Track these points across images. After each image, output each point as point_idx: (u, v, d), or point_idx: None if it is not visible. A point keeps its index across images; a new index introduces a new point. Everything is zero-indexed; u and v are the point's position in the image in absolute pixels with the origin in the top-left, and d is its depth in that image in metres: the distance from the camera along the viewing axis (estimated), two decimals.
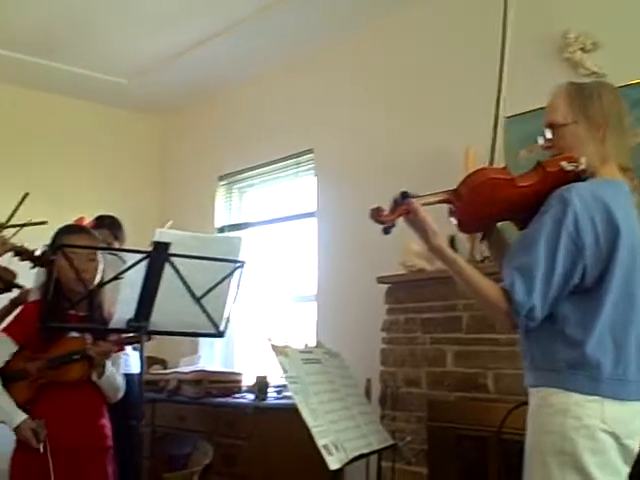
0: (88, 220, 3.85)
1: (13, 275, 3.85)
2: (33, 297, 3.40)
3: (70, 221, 3.43)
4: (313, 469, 3.35)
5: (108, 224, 4.11)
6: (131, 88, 5.18)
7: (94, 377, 2.86)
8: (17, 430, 2.75)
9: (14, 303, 3.90)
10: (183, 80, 5.06)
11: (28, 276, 3.69)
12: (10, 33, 4.39)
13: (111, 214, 4.20)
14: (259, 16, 4.16)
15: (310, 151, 4.59)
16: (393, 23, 4.16)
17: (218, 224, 5.24)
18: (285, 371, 2.49)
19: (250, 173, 5.06)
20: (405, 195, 1.89)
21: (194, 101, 5.43)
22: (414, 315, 3.48)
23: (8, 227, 1.97)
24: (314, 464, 2.79)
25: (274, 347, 2.54)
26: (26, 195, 1.92)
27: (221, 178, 5.26)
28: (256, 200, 5.21)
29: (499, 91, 3.07)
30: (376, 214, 1.86)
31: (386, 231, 1.88)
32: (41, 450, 2.71)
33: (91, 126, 5.43)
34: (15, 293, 3.92)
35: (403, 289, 3.53)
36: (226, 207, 5.29)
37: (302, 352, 2.68)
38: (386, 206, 1.88)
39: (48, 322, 2.59)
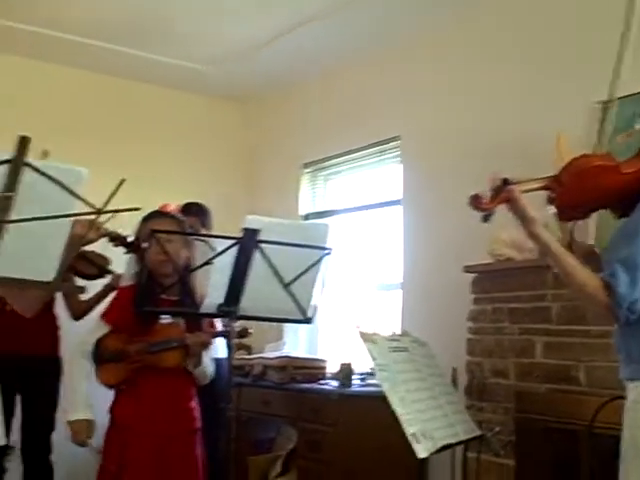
0: (173, 206, 3.93)
1: (106, 261, 3.98)
2: (124, 282, 3.50)
3: (157, 207, 3.51)
4: (397, 457, 3.36)
5: (195, 211, 4.19)
6: (218, 76, 5.23)
7: (189, 367, 2.91)
8: (70, 423, 2.84)
9: (107, 288, 4.02)
10: (268, 67, 5.08)
11: (120, 262, 3.81)
12: (100, 23, 4.50)
13: (198, 201, 4.28)
14: (343, 5, 4.14)
15: (396, 138, 4.55)
16: (478, 7, 4.08)
17: (303, 211, 5.27)
18: (374, 359, 2.49)
19: (335, 160, 5.06)
20: (506, 182, 1.85)
21: (280, 88, 5.45)
22: (501, 305, 3.42)
23: (103, 213, 2.01)
24: (398, 452, 2.79)
25: (362, 334, 2.54)
26: (122, 181, 1.95)
27: (306, 165, 5.27)
28: (341, 187, 5.21)
29: (614, 74, 2.91)
30: (475, 201, 1.83)
31: (485, 219, 1.85)
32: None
33: (177, 113, 5.52)
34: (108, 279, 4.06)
35: (490, 278, 3.47)
36: (311, 194, 5.31)
37: (390, 340, 2.67)
38: (473, 192, 1.85)
39: (142, 306, 2.66)
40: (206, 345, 2.87)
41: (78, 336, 3.08)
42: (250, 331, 3.08)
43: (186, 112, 5.56)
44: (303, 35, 4.51)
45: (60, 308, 4.06)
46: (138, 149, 5.27)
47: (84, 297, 4.08)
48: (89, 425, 2.87)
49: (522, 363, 3.28)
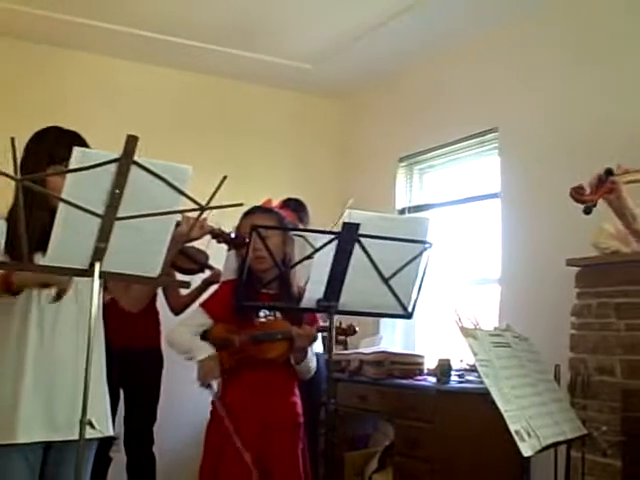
0: (275, 202, 3.97)
1: (206, 257, 4.06)
2: (223, 277, 3.55)
3: (258, 203, 3.55)
4: (497, 455, 3.30)
5: (294, 207, 4.23)
6: (315, 73, 5.27)
7: (293, 361, 2.93)
8: (200, 362, 2.86)
9: (206, 283, 4.10)
10: (363, 62, 5.08)
11: (219, 257, 3.88)
12: (203, 26, 4.63)
13: (296, 197, 4.31)
14: None
15: (494, 130, 4.45)
16: None
17: (399, 206, 5.23)
18: (475, 354, 2.44)
19: (431, 154, 5.01)
20: (609, 172, 1.79)
21: (374, 83, 5.44)
22: (607, 300, 3.29)
23: (207, 209, 2.04)
24: (498, 450, 2.73)
25: (463, 329, 2.49)
26: (224, 178, 1.98)
27: (401, 160, 5.24)
28: (437, 181, 5.14)
29: None
30: (577, 193, 1.78)
31: (587, 211, 1.79)
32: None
33: (276, 111, 5.60)
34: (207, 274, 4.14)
35: (595, 272, 3.35)
36: (407, 188, 5.26)
37: (491, 335, 2.61)
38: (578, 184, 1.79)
39: (243, 300, 2.69)
40: (313, 339, 2.87)
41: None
42: (357, 328, 3.06)
43: (285, 110, 5.64)
44: (399, 26, 4.48)
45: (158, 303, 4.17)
46: (239, 147, 5.38)
47: (183, 292, 4.19)
48: (216, 364, 2.89)
49: (630, 360, 3.15)
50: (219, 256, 3.85)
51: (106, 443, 3.59)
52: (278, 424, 2.90)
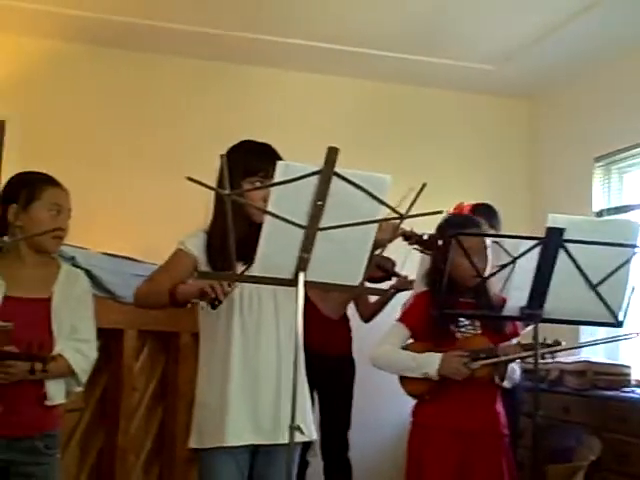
0: (467, 206, 3.89)
1: (392, 264, 4.05)
2: (417, 288, 3.49)
3: (445, 207, 3.48)
4: None
5: (484, 212, 4.11)
6: (497, 74, 5.14)
7: (497, 380, 2.84)
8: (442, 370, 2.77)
9: (393, 290, 4.07)
10: (551, 60, 4.88)
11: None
12: (381, 34, 4.64)
13: (487, 202, 4.20)
14: None
15: None
16: None
17: (596, 208, 4.97)
18: None
19: (631, 152, 4.71)
20: None
21: (564, 80, 5.20)
22: None
23: (407, 217, 2.03)
24: None
25: None
26: (424, 186, 1.96)
27: (597, 159, 4.96)
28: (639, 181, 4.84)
29: None
30: None
31: None
32: None
33: (459, 114, 5.50)
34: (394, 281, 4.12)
35: None
36: (604, 189, 4.99)
37: None
38: None
39: (441, 310, 2.65)
40: (515, 355, 2.76)
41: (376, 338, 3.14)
42: (563, 343, 2.92)
43: (469, 112, 5.53)
44: (592, 20, 4.26)
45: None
46: (421, 152, 5.34)
47: (371, 300, 4.22)
48: (459, 361, 2.77)
49: None
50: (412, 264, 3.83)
51: (304, 447, 3.67)
52: (479, 432, 2.82)
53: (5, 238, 2.56)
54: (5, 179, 2.70)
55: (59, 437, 2.62)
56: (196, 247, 2.43)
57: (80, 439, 3.55)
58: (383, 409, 4.80)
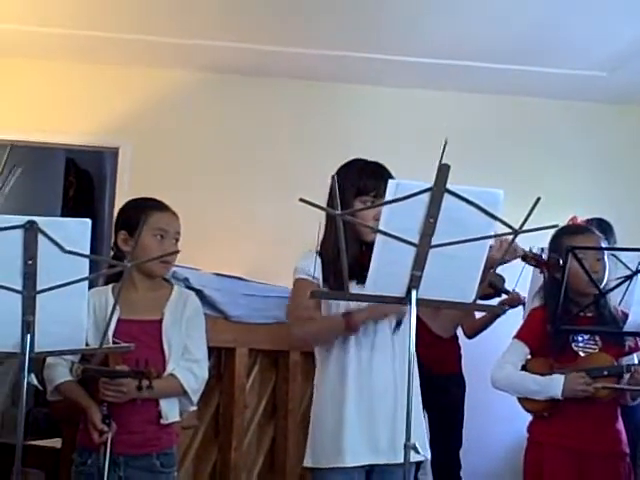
0: (579, 220, 3.78)
1: (503, 280, 3.98)
2: (533, 303, 3.40)
3: (558, 221, 3.39)
4: None
5: (598, 227, 3.99)
6: (609, 80, 5.01)
7: (628, 400, 2.76)
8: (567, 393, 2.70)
9: (505, 307, 3.98)
10: None
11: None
12: (488, 47, 4.64)
13: (601, 217, 4.08)
14: None
15: None
16: None
17: None
18: None
19: None
20: None
21: None
22: None
23: (521, 232, 2.00)
24: None
25: None
26: (538, 200, 1.92)
27: None
28: None
29: None
30: None
31: None
32: None
33: (571, 124, 5.39)
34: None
35: None
36: None
37: None
38: None
39: (559, 325, 2.57)
40: None
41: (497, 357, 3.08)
42: None
43: (581, 121, 5.41)
44: None
45: None
46: (531, 164, 5.26)
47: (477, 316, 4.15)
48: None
49: None
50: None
51: (416, 466, 3.64)
52: (598, 450, 2.73)
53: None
54: (121, 203, 2.80)
55: (176, 455, 2.65)
56: (313, 269, 2.43)
57: (195, 456, 3.62)
58: (494, 426, 4.71)
